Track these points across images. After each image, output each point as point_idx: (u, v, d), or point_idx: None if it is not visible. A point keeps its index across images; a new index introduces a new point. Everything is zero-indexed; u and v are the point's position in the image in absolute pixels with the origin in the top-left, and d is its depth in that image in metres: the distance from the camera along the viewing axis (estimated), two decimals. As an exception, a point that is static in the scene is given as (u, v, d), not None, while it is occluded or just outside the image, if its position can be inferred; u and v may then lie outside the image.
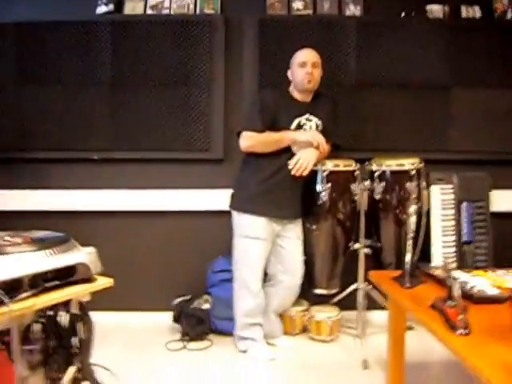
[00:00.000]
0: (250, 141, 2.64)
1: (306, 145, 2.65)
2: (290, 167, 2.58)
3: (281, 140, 2.65)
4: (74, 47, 3.14)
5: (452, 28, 3.23)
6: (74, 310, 1.61)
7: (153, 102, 3.16)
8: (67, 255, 1.53)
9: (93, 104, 3.16)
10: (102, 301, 2.77)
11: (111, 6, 3.20)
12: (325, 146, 2.68)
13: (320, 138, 2.65)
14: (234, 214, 2.74)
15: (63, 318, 1.57)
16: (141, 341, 2.92)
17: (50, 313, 1.55)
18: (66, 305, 1.59)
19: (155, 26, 3.15)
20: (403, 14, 3.24)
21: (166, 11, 3.22)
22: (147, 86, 3.15)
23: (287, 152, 2.64)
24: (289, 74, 2.77)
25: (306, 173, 2.61)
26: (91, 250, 1.63)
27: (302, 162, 2.56)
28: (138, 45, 3.15)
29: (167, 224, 3.27)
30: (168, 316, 3.03)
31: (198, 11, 3.23)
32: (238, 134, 2.68)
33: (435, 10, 3.27)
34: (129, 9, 3.23)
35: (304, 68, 2.66)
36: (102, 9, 3.20)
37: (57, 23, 3.13)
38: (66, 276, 1.53)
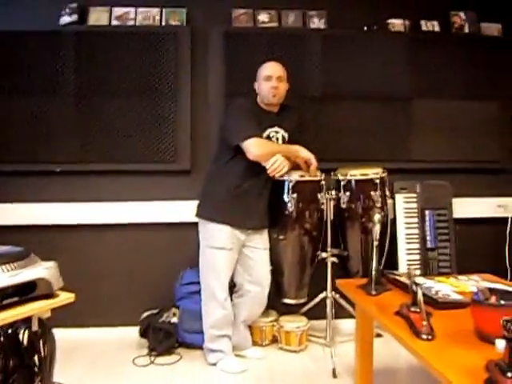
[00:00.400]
0: (264, 148, 2.60)
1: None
2: (267, 167, 2.57)
3: (288, 151, 2.68)
4: (37, 57, 3.08)
5: (412, 41, 3.34)
6: (35, 327, 1.56)
7: (118, 113, 3.12)
8: (27, 270, 1.48)
9: (56, 115, 3.09)
10: (67, 317, 2.73)
11: (75, 17, 3.16)
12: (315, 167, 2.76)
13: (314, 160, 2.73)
14: (200, 223, 2.73)
15: (23, 336, 1.52)
16: (107, 357, 2.84)
17: (9, 330, 1.50)
18: (26, 322, 1.54)
19: (120, 37, 3.13)
20: (366, 28, 3.33)
21: (131, 22, 3.20)
22: (112, 97, 3.12)
23: (256, 164, 2.63)
24: (255, 86, 2.79)
25: (280, 174, 2.62)
26: (52, 264, 1.58)
27: (279, 164, 2.57)
28: (103, 56, 3.12)
29: (134, 236, 3.22)
30: (135, 331, 2.97)
31: (163, 23, 3.22)
32: (237, 146, 2.60)
33: (396, 24, 3.38)
34: (93, 19, 3.19)
35: (269, 82, 2.69)
36: (65, 19, 3.16)
37: (20, 33, 3.07)
38: (25, 292, 1.48)
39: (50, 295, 1.56)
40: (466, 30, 3.45)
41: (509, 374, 1.17)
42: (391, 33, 3.36)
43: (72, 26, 3.13)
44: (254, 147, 2.57)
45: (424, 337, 1.50)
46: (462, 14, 3.46)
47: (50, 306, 1.56)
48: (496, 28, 3.49)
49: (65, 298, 1.59)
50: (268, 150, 2.61)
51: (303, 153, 2.71)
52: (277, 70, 2.73)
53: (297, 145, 2.72)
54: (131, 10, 3.21)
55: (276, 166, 2.56)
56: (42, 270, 1.55)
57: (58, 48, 3.09)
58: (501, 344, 1.25)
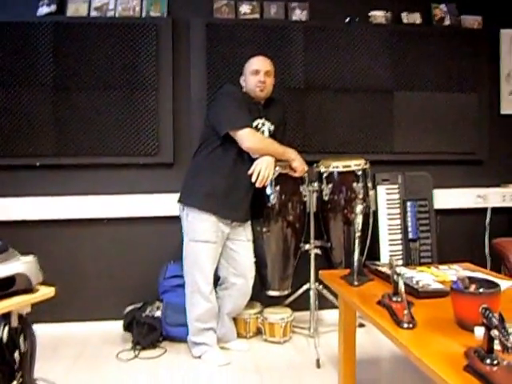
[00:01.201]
0: (258, 143, 2.58)
1: None
2: (253, 179, 2.54)
3: (283, 154, 2.67)
4: (14, 49, 3.02)
5: (394, 33, 3.35)
6: (15, 322, 1.53)
7: (98, 105, 3.08)
8: (5, 265, 1.46)
9: (34, 107, 3.04)
10: (49, 312, 2.70)
11: (53, 7, 3.10)
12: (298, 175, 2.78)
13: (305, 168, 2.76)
14: (184, 212, 2.68)
15: (3, 332, 1.49)
16: (90, 352, 2.82)
17: (-12, 327, 1.47)
18: (5, 317, 1.51)
19: (100, 29, 3.08)
20: (347, 20, 3.33)
21: (110, 13, 3.15)
22: (92, 89, 3.07)
23: (244, 154, 2.61)
24: (241, 80, 2.77)
25: (268, 182, 2.62)
26: (31, 258, 1.56)
27: (263, 174, 2.54)
28: (82, 47, 3.07)
29: (116, 230, 3.19)
30: (119, 325, 2.95)
31: (144, 14, 3.18)
32: (227, 134, 2.55)
33: (378, 16, 3.39)
34: (72, 10, 3.14)
35: (256, 76, 2.67)
36: (43, 10, 3.10)
37: (-4, 24, 3.00)
38: (4, 287, 1.46)
39: (29, 290, 1.54)
40: (447, 22, 3.48)
41: (487, 361, 1.19)
42: (373, 25, 3.37)
43: (50, 16, 3.07)
44: (250, 138, 2.55)
45: (405, 326, 1.52)
46: (442, 7, 3.49)
47: (30, 301, 1.54)
48: (476, 20, 3.53)
49: (45, 292, 1.57)
50: (263, 146, 2.60)
51: (296, 164, 2.72)
52: (265, 65, 2.71)
53: (293, 151, 2.72)
54: (111, 0, 3.16)
55: (261, 177, 2.54)
56: (21, 264, 1.52)
57: (35, 39, 3.03)
58: (479, 331, 1.27)
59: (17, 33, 3.02)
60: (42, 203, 3.08)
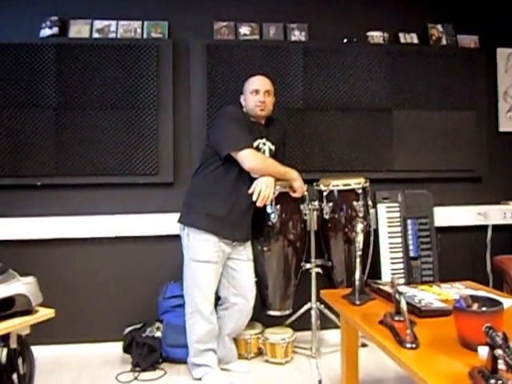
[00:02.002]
0: (260, 164, 2.58)
1: None
2: (253, 198, 2.54)
3: (284, 175, 2.69)
4: (17, 70, 3.05)
5: (391, 53, 3.40)
6: (14, 344, 1.52)
7: (99, 126, 3.10)
8: (4, 286, 1.45)
9: (36, 127, 3.06)
10: (48, 334, 2.67)
11: (56, 29, 3.14)
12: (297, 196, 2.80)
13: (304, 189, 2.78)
14: (184, 232, 2.67)
15: (1, 354, 1.48)
16: (89, 374, 2.78)
17: (-14, 349, 1.46)
18: (4, 339, 1.50)
19: (101, 50, 3.12)
20: (346, 40, 3.38)
21: (112, 35, 3.20)
22: (93, 109, 3.10)
23: (244, 174, 2.62)
24: (241, 99, 2.79)
25: (268, 202, 2.62)
26: (31, 279, 1.55)
27: (264, 193, 2.54)
28: (84, 68, 3.10)
29: (116, 250, 3.18)
30: (118, 346, 2.92)
31: (145, 35, 3.22)
32: (228, 155, 2.55)
33: (375, 37, 3.44)
34: (74, 32, 3.18)
35: (256, 96, 2.69)
36: (46, 32, 3.14)
37: (0, 45, 3.04)
38: (3, 308, 1.45)
39: (28, 311, 1.53)
40: (444, 42, 3.53)
41: (491, 381, 1.18)
42: (371, 45, 3.41)
43: (52, 38, 3.11)
44: (251, 158, 2.55)
45: (408, 345, 1.50)
46: (439, 27, 3.54)
47: (29, 322, 1.53)
48: (473, 40, 3.58)
49: (44, 314, 1.56)
50: (265, 166, 2.60)
51: (296, 184, 2.73)
52: (264, 84, 2.73)
53: (294, 171, 2.73)
54: (112, 22, 3.21)
55: (261, 197, 2.54)
56: (21, 285, 1.51)
57: (38, 60, 3.07)
58: (483, 351, 1.26)
59: (20, 54, 3.06)
60: (43, 223, 3.07)
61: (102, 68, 3.11)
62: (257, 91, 2.70)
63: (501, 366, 1.17)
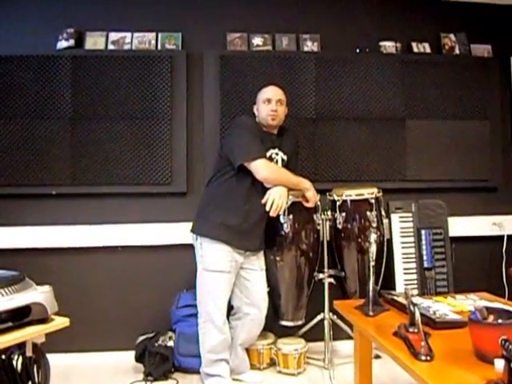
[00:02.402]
0: (273, 173, 2.60)
1: None
2: (267, 208, 2.54)
3: (297, 184, 2.70)
4: (34, 81, 3.12)
5: (404, 63, 3.39)
6: (29, 352, 1.53)
7: (114, 136, 3.14)
8: (21, 295, 1.47)
9: (52, 138, 3.11)
10: (62, 342, 2.69)
11: (72, 41, 3.20)
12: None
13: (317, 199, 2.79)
14: (198, 242, 2.67)
15: (17, 362, 1.49)
16: (102, 383, 2.80)
17: (3, 356, 1.47)
18: (20, 347, 1.51)
19: (117, 61, 3.17)
20: (358, 50, 3.39)
21: (127, 46, 3.25)
22: (108, 120, 3.14)
23: (258, 184, 2.62)
24: (255, 109, 2.81)
25: (281, 212, 2.63)
26: (47, 288, 1.57)
27: (277, 203, 2.55)
28: (99, 79, 3.15)
29: (129, 259, 3.20)
30: (131, 355, 2.93)
31: (159, 47, 3.27)
32: (241, 165, 2.56)
33: (388, 46, 3.44)
34: (90, 44, 3.24)
35: (269, 105, 2.71)
36: (62, 44, 3.20)
37: (17, 57, 3.11)
38: (20, 317, 1.46)
39: (44, 320, 1.54)
40: (457, 51, 3.52)
41: (508, 395, 1.16)
42: (383, 55, 3.42)
43: (69, 50, 3.17)
44: (264, 168, 2.56)
45: (423, 358, 1.49)
46: (452, 36, 3.54)
47: (45, 330, 1.55)
48: (486, 49, 3.57)
49: (60, 322, 1.58)
50: (278, 176, 2.62)
51: (309, 194, 2.73)
52: (277, 94, 2.75)
53: (307, 181, 2.73)
54: (127, 34, 3.26)
55: (275, 207, 2.54)
56: (37, 294, 1.53)
57: (54, 72, 3.13)
58: (499, 363, 1.24)
59: (36, 66, 3.12)
60: (58, 232, 3.11)
61: (117, 79, 3.16)
62: (269, 100, 2.72)
63: (518, 379, 1.15)
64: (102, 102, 3.14)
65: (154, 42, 3.27)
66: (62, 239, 3.11)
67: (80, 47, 3.21)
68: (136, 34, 3.27)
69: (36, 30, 3.22)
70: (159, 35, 3.28)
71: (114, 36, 3.26)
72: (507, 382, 1.18)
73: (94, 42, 3.24)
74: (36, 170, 3.10)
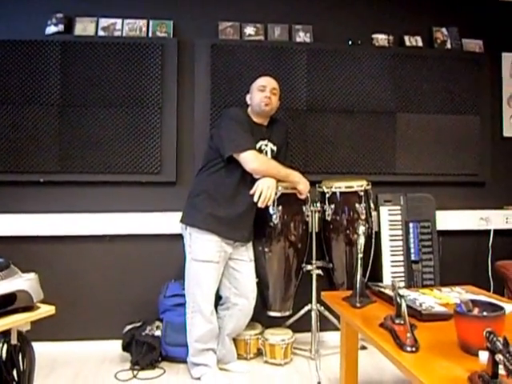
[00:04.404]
0: (262, 165, 2.59)
1: None
2: (255, 199, 2.55)
3: (286, 177, 2.69)
4: (22, 67, 3.06)
5: (396, 56, 3.39)
6: (14, 340, 1.52)
7: (103, 123, 3.11)
8: (6, 282, 1.45)
9: (40, 125, 3.06)
10: (48, 330, 2.68)
11: (61, 27, 3.15)
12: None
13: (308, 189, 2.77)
14: (187, 232, 2.68)
15: (1, 350, 1.48)
16: (88, 372, 2.79)
17: (-13, 344, 1.46)
18: (4, 335, 1.50)
19: (107, 48, 3.12)
20: (350, 42, 3.38)
21: (117, 33, 3.20)
22: (97, 107, 3.10)
23: (247, 176, 2.62)
24: (247, 98, 2.80)
25: (270, 203, 2.63)
26: (32, 276, 1.55)
27: (265, 194, 2.55)
28: (89, 66, 3.11)
29: (117, 248, 3.18)
30: (118, 344, 2.92)
31: (150, 34, 3.23)
32: (230, 157, 2.57)
33: (380, 39, 3.44)
34: (79, 30, 3.19)
35: (263, 92, 2.71)
36: (51, 29, 3.15)
37: (4, 42, 3.05)
38: (4, 304, 1.45)
39: (29, 308, 1.53)
40: (448, 45, 3.53)
41: (492, 386, 1.18)
42: (375, 47, 3.41)
43: (58, 35, 3.12)
44: (253, 160, 2.57)
45: (408, 349, 1.50)
46: (444, 30, 3.54)
47: (30, 318, 1.53)
48: (478, 44, 3.57)
49: (45, 310, 1.56)
50: (267, 168, 2.61)
51: (300, 187, 2.73)
52: (272, 83, 2.76)
53: (297, 173, 2.73)
54: (118, 21, 3.21)
55: (263, 198, 2.55)
56: (22, 281, 1.51)
57: (43, 57, 3.07)
58: (484, 356, 1.26)
59: (25, 51, 3.06)
60: (45, 220, 3.08)
61: (107, 66, 3.12)
62: (264, 87, 2.73)
63: (501, 371, 1.17)
64: (92, 88, 3.10)
65: (144, 29, 3.23)
66: (50, 227, 3.08)
67: (69, 33, 3.16)
68: (127, 21, 3.22)
69: (25, 14, 3.16)
70: (150, 22, 3.24)
71: (104, 22, 3.21)
72: (491, 374, 1.20)
73: (84, 27, 3.19)
74: (24, 158, 3.06)
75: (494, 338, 1.18)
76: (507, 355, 1.13)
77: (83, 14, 3.19)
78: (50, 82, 3.08)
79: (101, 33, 3.19)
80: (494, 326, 1.29)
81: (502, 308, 1.51)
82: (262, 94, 2.71)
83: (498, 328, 1.37)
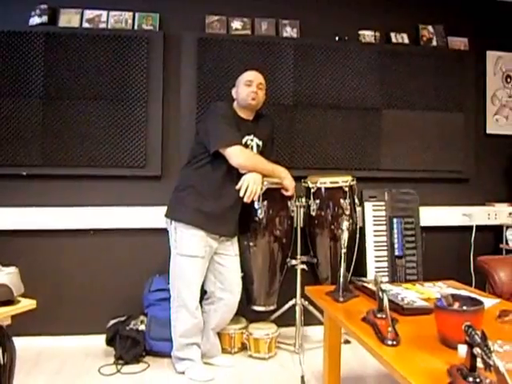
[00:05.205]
0: (247, 160, 2.58)
1: None
2: (240, 194, 2.54)
3: (272, 172, 2.68)
4: (4, 58, 3.01)
5: (382, 52, 3.41)
6: (-6, 334, 1.51)
7: (88, 117, 3.07)
8: (-14, 276, 1.44)
9: (23, 117, 3.02)
10: (31, 325, 2.66)
11: (45, 18, 3.10)
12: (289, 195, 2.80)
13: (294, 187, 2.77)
14: (172, 226, 2.67)
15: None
16: (72, 366, 2.77)
17: (-34, 339, 1.44)
18: (-16, 329, 1.49)
19: (91, 40, 3.09)
20: (337, 38, 3.38)
21: (103, 25, 3.16)
22: (82, 100, 3.07)
23: (233, 171, 2.61)
24: (233, 91, 2.78)
25: (256, 198, 2.63)
26: (13, 269, 1.54)
27: (251, 189, 2.55)
28: (73, 58, 3.07)
29: (102, 242, 3.16)
30: (102, 339, 2.90)
31: (136, 27, 3.19)
32: (216, 152, 2.56)
33: (367, 35, 3.45)
34: (64, 21, 3.14)
35: (250, 87, 2.70)
36: (35, 20, 3.10)
37: (-14, 32, 3.00)
38: (-16, 298, 1.44)
39: (10, 302, 1.51)
40: (434, 43, 3.55)
41: (470, 379, 1.20)
42: (362, 44, 3.42)
43: (42, 26, 3.07)
44: (239, 155, 2.56)
45: (389, 343, 1.52)
46: (430, 28, 3.57)
47: (11, 312, 1.52)
48: (463, 42, 3.61)
49: (26, 304, 1.54)
50: (252, 163, 2.60)
51: (286, 182, 2.73)
52: (258, 78, 2.76)
53: (283, 169, 2.73)
54: (103, 12, 3.18)
55: (248, 192, 2.54)
56: (3, 275, 1.50)
57: (26, 49, 3.03)
58: (462, 349, 1.28)
59: (8, 42, 3.02)
60: (28, 213, 3.04)
61: (92, 58, 3.08)
62: (251, 82, 2.71)
63: (479, 364, 1.18)
64: (76, 81, 3.07)
65: (130, 21, 3.20)
66: (33, 221, 3.04)
67: (53, 24, 3.11)
68: (112, 13, 3.19)
69: (8, 4, 3.11)
70: (136, 15, 3.21)
71: (89, 14, 3.17)
72: (469, 367, 1.22)
73: (68, 19, 3.15)
74: (6, 150, 3.01)
75: (473, 332, 1.20)
76: (485, 348, 1.14)
77: (68, 5, 3.15)
78: (34, 74, 3.04)
79: (85, 25, 3.15)
80: (473, 320, 1.31)
81: (481, 302, 1.54)
82: (249, 89, 2.70)
83: (477, 322, 1.40)
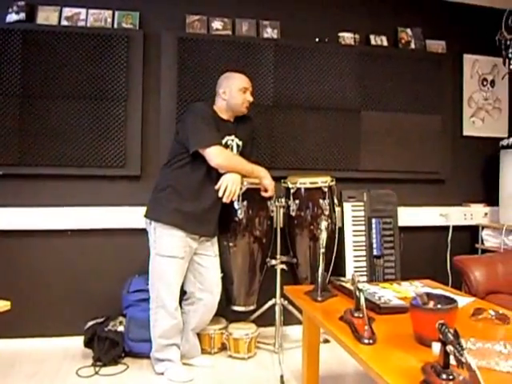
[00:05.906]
0: (226, 161, 2.58)
1: None
2: (220, 194, 2.54)
3: (252, 172, 2.69)
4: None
5: (362, 54, 3.45)
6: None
7: (66, 115, 3.03)
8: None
9: (0, 115, 2.96)
10: (6, 327, 2.61)
11: (22, 15, 3.05)
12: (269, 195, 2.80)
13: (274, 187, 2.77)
14: (151, 226, 2.65)
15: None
16: (49, 369, 2.72)
17: None
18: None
19: (70, 38, 3.05)
20: (317, 40, 3.41)
21: (82, 23, 3.12)
22: (60, 98, 3.03)
23: (213, 171, 2.61)
24: (221, 91, 2.73)
25: (235, 198, 2.63)
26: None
27: (230, 189, 2.55)
28: (51, 56, 3.02)
29: (80, 243, 3.12)
30: (80, 341, 2.87)
31: (115, 25, 3.16)
32: (196, 152, 2.55)
33: (347, 37, 3.48)
34: (42, 18, 3.09)
35: (245, 94, 2.73)
36: (12, 17, 3.05)
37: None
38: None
39: (-16, 303, 1.49)
40: (413, 45, 3.61)
41: (443, 376, 1.22)
42: (342, 45, 3.46)
43: (19, 24, 3.02)
44: (218, 156, 2.56)
45: (365, 341, 1.54)
46: (408, 31, 3.62)
47: (-16, 314, 1.49)
48: (440, 45, 3.67)
49: (0, 306, 1.52)
50: (231, 163, 2.61)
51: (265, 182, 2.74)
52: (250, 84, 2.78)
53: (263, 169, 2.74)
54: (82, 10, 3.14)
55: (228, 193, 2.55)
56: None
57: (3, 46, 2.97)
58: (436, 347, 1.30)
59: (-17, 39, 2.96)
60: (3, 213, 2.99)
61: (70, 57, 3.04)
62: (246, 89, 2.74)
63: (453, 361, 1.20)
64: (54, 79, 3.02)
65: (110, 20, 3.16)
66: (8, 221, 2.99)
67: (31, 21, 3.06)
68: (91, 11, 3.14)
69: (-17, 1, 3.06)
70: (116, 13, 3.17)
71: (67, 11, 3.12)
72: (443, 365, 1.24)
73: (47, 16, 3.10)
74: (-19, 149, 2.96)
75: (446, 330, 1.22)
76: (457, 346, 1.17)
77: (46, 2, 3.10)
78: (11, 72, 2.98)
79: (64, 22, 3.10)
80: (447, 319, 1.33)
81: (455, 301, 1.57)
82: (245, 97, 2.73)
83: (451, 320, 1.42)
